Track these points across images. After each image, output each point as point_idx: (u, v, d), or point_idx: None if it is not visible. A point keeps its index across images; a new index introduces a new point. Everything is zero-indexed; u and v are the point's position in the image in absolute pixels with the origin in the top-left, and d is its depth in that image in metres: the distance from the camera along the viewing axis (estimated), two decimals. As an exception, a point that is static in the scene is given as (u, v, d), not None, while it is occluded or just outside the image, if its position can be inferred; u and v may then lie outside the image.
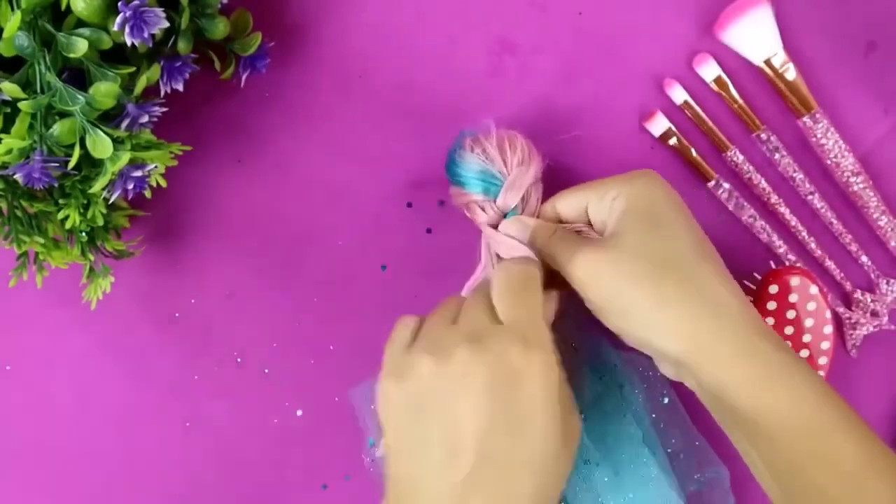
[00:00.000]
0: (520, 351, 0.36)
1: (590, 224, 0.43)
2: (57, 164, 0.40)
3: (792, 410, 0.36)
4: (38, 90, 0.39)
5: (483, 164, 0.45)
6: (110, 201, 0.44)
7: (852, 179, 0.50)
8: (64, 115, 0.40)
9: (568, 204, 0.44)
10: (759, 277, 0.48)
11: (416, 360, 0.37)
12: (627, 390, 0.46)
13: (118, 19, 0.38)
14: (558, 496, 0.37)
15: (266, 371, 0.52)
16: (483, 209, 0.46)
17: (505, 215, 0.45)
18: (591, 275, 0.39)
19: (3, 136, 0.39)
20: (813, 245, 0.51)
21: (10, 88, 0.38)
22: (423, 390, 0.36)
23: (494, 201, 0.45)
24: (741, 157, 0.50)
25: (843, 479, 0.35)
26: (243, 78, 0.48)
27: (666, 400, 0.47)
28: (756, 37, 0.48)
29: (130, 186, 0.43)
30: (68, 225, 0.44)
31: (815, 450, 0.35)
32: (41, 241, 0.45)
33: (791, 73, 0.49)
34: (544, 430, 0.35)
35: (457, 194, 0.47)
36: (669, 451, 0.46)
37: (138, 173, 0.42)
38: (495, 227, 0.46)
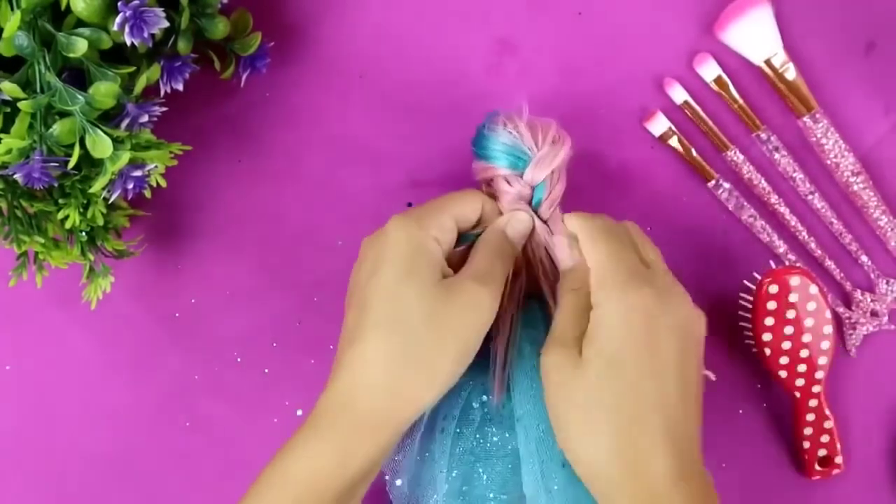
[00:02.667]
0: None
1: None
2: (57, 164, 0.40)
3: None
4: (38, 90, 0.39)
5: (514, 138, 0.44)
6: (110, 201, 0.44)
7: (852, 179, 0.50)
8: (64, 114, 0.40)
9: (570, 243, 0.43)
10: (759, 277, 0.48)
11: None
12: None
13: (118, 19, 0.38)
14: None
15: (266, 371, 0.52)
16: (509, 182, 0.45)
17: (533, 191, 0.45)
18: (549, 377, 0.39)
19: (3, 135, 0.39)
20: (813, 245, 0.51)
21: (10, 88, 0.38)
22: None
23: (521, 176, 0.45)
24: (741, 157, 0.50)
25: None
26: (243, 78, 0.48)
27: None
28: (756, 37, 0.48)
29: (130, 186, 0.43)
30: (68, 225, 0.44)
31: None
32: (41, 240, 0.45)
33: (791, 73, 0.49)
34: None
35: (482, 169, 0.46)
36: None
37: (138, 173, 0.42)
38: (528, 202, 0.45)
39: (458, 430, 0.45)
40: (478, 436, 0.45)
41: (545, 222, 0.46)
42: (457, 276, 0.40)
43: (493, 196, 0.46)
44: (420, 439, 0.46)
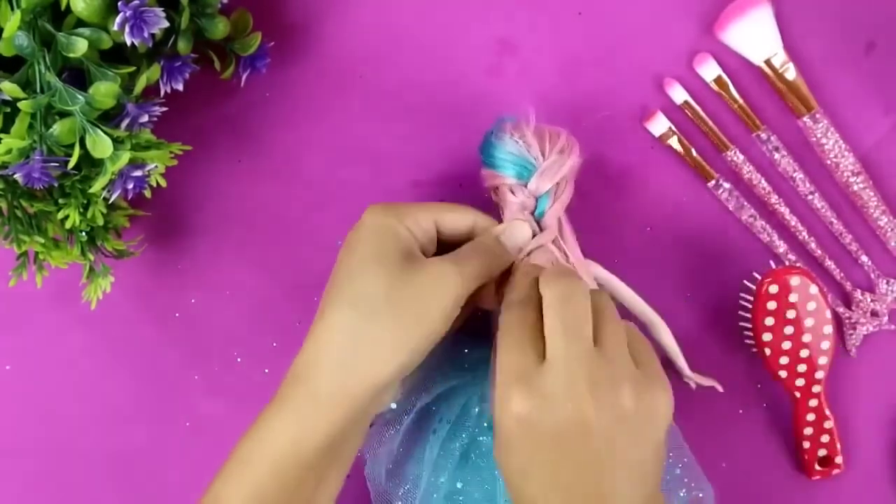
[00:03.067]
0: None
1: None
2: (57, 164, 0.40)
3: None
4: (38, 90, 0.39)
5: (520, 147, 0.44)
6: (110, 201, 0.44)
7: (852, 179, 0.50)
8: (64, 114, 0.40)
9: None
10: (759, 277, 0.48)
11: None
12: None
13: (118, 19, 0.38)
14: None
15: (266, 371, 0.52)
16: (513, 192, 0.45)
17: (537, 201, 0.45)
18: (500, 421, 0.37)
19: (3, 135, 0.39)
20: (813, 245, 0.51)
21: (10, 88, 0.38)
22: None
23: (526, 186, 0.45)
24: (741, 157, 0.50)
25: None
26: (243, 78, 0.48)
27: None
28: (756, 37, 0.48)
29: (130, 186, 0.43)
30: (68, 225, 0.44)
31: None
32: (41, 240, 0.45)
33: (791, 73, 0.49)
34: None
35: (488, 176, 0.46)
36: None
37: (138, 173, 0.42)
38: (531, 212, 0.45)
39: (451, 435, 0.45)
40: (469, 443, 0.45)
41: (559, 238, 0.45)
42: (432, 258, 0.40)
43: (499, 205, 0.45)
44: (407, 434, 0.46)
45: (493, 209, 0.46)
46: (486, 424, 0.45)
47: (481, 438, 0.45)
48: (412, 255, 0.40)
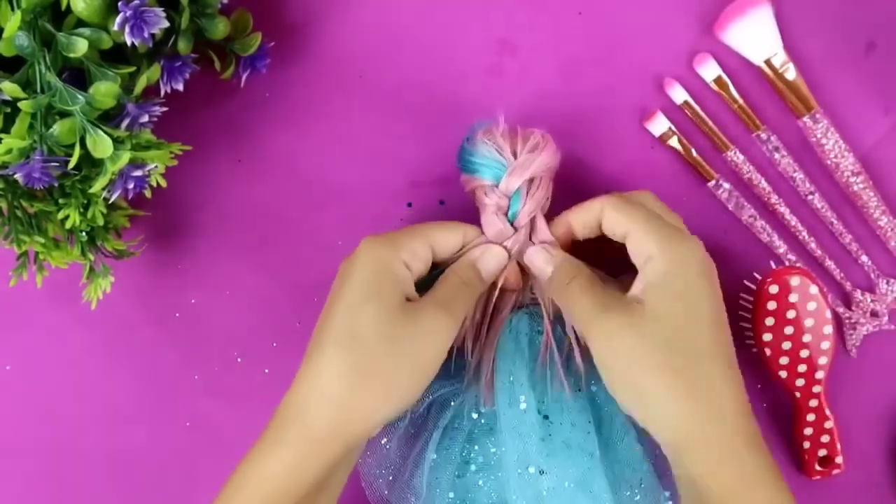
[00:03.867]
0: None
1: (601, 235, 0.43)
2: (57, 164, 0.40)
3: None
4: (38, 90, 0.39)
5: (490, 149, 0.44)
6: (110, 201, 0.44)
7: (852, 179, 0.50)
8: (64, 114, 0.40)
9: (585, 222, 0.44)
10: (759, 277, 0.48)
11: None
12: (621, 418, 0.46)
13: (118, 19, 0.38)
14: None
15: (266, 371, 0.52)
16: (486, 193, 0.45)
17: (510, 200, 0.45)
18: (609, 344, 0.39)
19: (3, 136, 0.39)
20: (813, 245, 0.51)
21: (10, 88, 0.38)
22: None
23: (498, 186, 0.44)
24: (741, 157, 0.50)
25: None
26: (243, 78, 0.48)
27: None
28: (756, 37, 0.48)
29: (130, 186, 0.43)
30: (68, 225, 0.44)
31: None
32: (41, 240, 0.45)
33: (791, 73, 0.49)
34: None
35: (466, 181, 0.46)
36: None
37: (138, 173, 0.42)
38: (504, 213, 0.45)
39: (447, 441, 0.45)
40: (466, 446, 0.45)
41: (530, 237, 0.45)
42: (419, 300, 0.41)
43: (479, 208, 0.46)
44: (401, 444, 0.46)
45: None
46: (487, 427, 0.45)
47: (483, 439, 0.45)
48: (407, 298, 0.41)
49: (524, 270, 0.46)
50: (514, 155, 0.44)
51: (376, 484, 0.47)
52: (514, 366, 0.44)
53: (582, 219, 0.44)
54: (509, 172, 0.44)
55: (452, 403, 0.45)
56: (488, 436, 0.45)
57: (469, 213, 0.50)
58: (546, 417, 0.44)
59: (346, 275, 0.41)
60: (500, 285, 0.45)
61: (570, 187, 0.49)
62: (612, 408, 0.45)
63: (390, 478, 0.47)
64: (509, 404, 0.43)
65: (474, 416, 0.45)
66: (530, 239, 0.45)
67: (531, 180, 0.44)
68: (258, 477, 0.39)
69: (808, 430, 0.50)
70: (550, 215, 0.46)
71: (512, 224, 0.45)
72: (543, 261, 0.44)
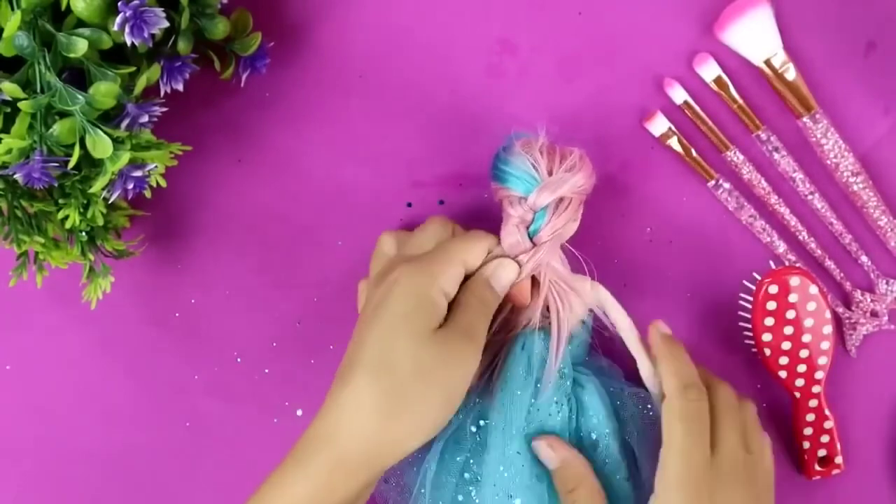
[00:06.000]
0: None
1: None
2: (57, 164, 0.40)
3: None
4: (38, 90, 0.39)
5: (527, 163, 0.44)
6: (110, 201, 0.44)
7: (852, 179, 0.50)
8: (64, 114, 0.40)
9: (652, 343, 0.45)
10: (759, 277, 0.48)
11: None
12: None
13: (118, 19, 0.38)
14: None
15: (266, 371, 0.52)
16: (512, 204, 0.44)
17: (534, 215, 0.44)
18: None
19: (3, 136, 0.39)
20: (813, 245, 0.51)
21: (10, 88, 0.38)
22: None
23: (527, 200, 0.44)
24: (741, 157, 0.50)
25: None
26: (243, 78, 0.48)
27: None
28: (756, 37, 0.48)
29: (130, 186, 0.43)
30: (68, 225, 0.44)
31: None
32: (41, 240, 0.45)
33: (791, 73, 0.49)
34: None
35: (496, 189, 0.46)
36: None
37: (138, 173, 0.42)
38: (526, 226, 0.44)
39: (448, 454, 0.45)
40: (471, 461, 0.45)
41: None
42: (446, 329, 0.41)
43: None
44: (418, 453, 0.46)
45: (493, 209, 0.46)
46: (480, 437, 0.45)
47: (483, 455, 0.45)
48: (438, 327, 0.41)
49: (535, 289, 0.45)
50: (549, 172, 0.44)
51: (377, 491, 0.47)
52: (517, 388, 0.44)
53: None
54: (541, 188, 0.43)
55: (458, 416, 0.45)
56: (484, 450, 0.45)
57: (469, 212, 0.51)
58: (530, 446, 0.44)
59: (383, 303, 0.40)
60: (507, 299, 0.45)
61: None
62: (608, 441, 0.45)
63: (389, 479, 0.47)
64: (503, 427, 0.44)
65: (473, 429, 0.45)
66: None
67: (560, 200, 0.44)
68: (282, 499, 0.39)
69: (808, 431, 0.50)
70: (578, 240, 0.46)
71: (532, 239, 0.44)
72: (546, 456, 0.44)
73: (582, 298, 0.46)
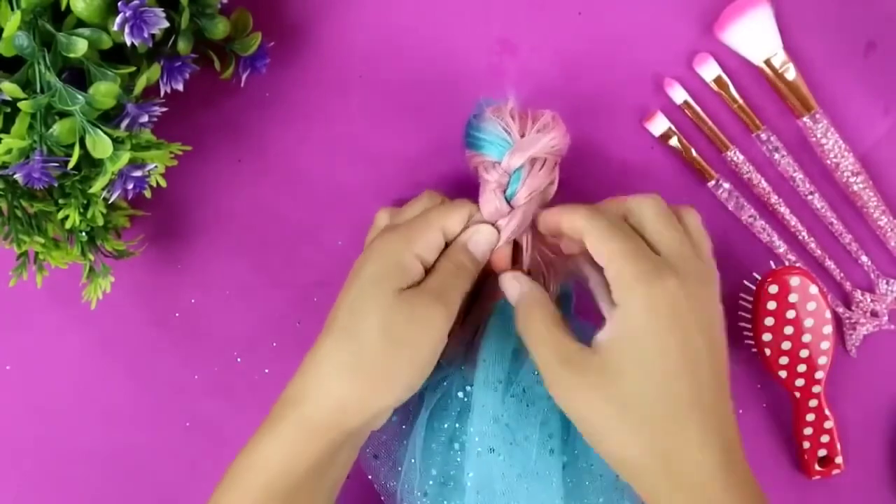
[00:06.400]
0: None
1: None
2: (57, 164, 0.40)
3: None
4: (38, 90, 0.39)
5: (498, 127, 0.44)
6: (110, 201, 0.44)
7: (852, 179, 0.50)
8: (64, 114, 0.40)
9: (573, 230, 0.41)
10: (759, 277, 0.48)
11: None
12: None
13: (118, 19, 0.38)
14: None
15: (266, 371, 0.52)
16: (487, 169, 0.44)
17: (510, 177, 0.44)
18: (568, 402, 0.39)
19: (3, 136, 0.39)
20: (813, 245, 0.51)
21: (10, 88, 0.38)
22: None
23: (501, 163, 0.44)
24: (741, 157, 0.50)
25: None
26: (243, 78, 0.48)
27: None
28: (756, 37, 0.48)
29: (130, 186, 0.43)
30: (68, 225, 0.44)
31: None
32: (41, 241, 0.45)
33: (791, 73, 0.49)
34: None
35: (470, 157, 0.46)
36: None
37: (138, 173, 0.42)
38: (503, 190, 0.44)
39: (435, 422, 0.45)
40: (457, 426, 0.45)
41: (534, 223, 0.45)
42: (415, 290, 0.41)
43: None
44: (391, 425, 0.46)
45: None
46: (466, 401, 0.45)
47: (464, 420, 0.45)
48: (408, 289, 0.40)
49: (517, 254, 0.45)
50: (522, 135, 0.44)
51: (365, 462, 0.47)
52: (497, 350, 0.44)
53: (567, 226, 0.42)
54: (513, 150, 0.43)
55: (443, 384, 0.45)
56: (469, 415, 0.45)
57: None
58: (518, 400, 0.43)
59: (358, 268, 0.42)
60: (487, 264, 0.44)
61: (569, 187, 0.49)
62: None
63: (379, 455, 0.47)
64: (483, 384, 0.43)
65: (460, 395, 0.45)
66: (532, 226, 0.45)
67: (534, 161, 0.44)
68: (256, 462, 0.40)
69: (808, 430, 0.50)
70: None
71: (509, 203, 0.44)
72: (512, 289, 0.43)
73: (564, 263, 0.45)
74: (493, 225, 0.44)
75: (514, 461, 0.42)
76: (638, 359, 0.37)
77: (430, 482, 0.45)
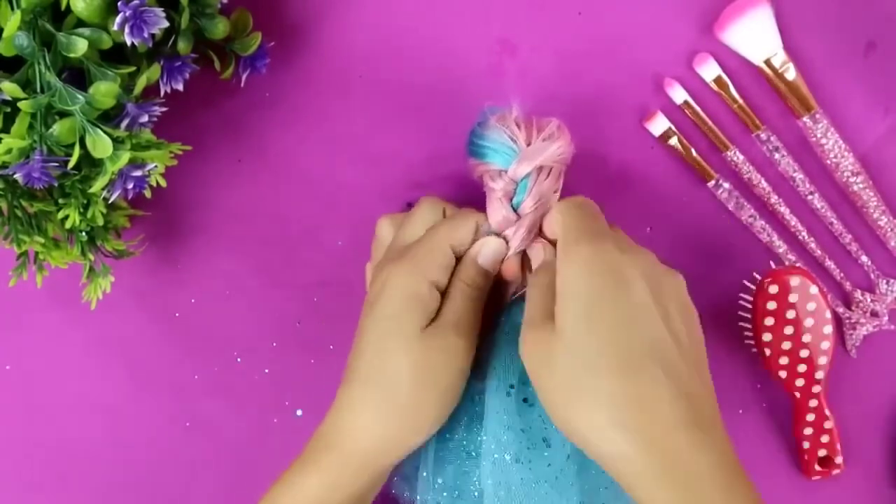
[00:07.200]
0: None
1: None
2: (57, 164, 0.40)
3: None
4: (38, 90, 0.39)
5: (503, 135, 0.44)
6: (110, 201, 0.44)
7: (852, 179, 0.50)
8: (64, 114, 0.40)
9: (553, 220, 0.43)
10: (759, 277, 0.48)
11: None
12: None
13: (118, 19, 0.38)
14: None
15: (266, 371, 0.52)
16: (493, 178, 0.44)
17: (516, 186, 0.44)
18: (527, 362, 0.39)
19: (3, 135, 0.39)
20: (813, 245, 0.51)
21: (10, 88, 0.38)
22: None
23: (507, 172, 0.44)
24: (741, 157, 0.50)
25: None
26: (243, 78, 0.48)
27: None
28: (756, 37, 0.48)
29: (130, 186, 0.43)
30: (68, 225, 0.44)
31: None
32: (41, 240, 0.45)
33: (791, 73, 0.49)
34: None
35: (474, 166, 0.45)
36: None
37: (138, 173, 0.42)
38: (509, 199, 0.44)
39: (445, 433, 0.45)
40: (466, 434, 0.45)
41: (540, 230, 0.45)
42: (436, 326, 0.41)
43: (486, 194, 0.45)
44: None
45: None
46: (477, 409, 0.45)
47: (476, 426, 0.45)
48: (430, 327, 0.41)
49: (525, 261, 0.45)
50: (528, 143, 0.44)
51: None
52: (508, 355, 0.44)
53: (549, 219, 0.44)
54: (520, 159, 0.43)
55: None
56: (479, 423, 0.45)
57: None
58: (531, 405, 0.43)
59: (375, 305, 0.41)
60: (498, 274, 0.45)
61: (569, 187, 0.49)
62: None
63: (392, 475, 0.47)
64: (496, 391, 0.43)
65: (468, 403, 0.45)
66: (541, 232, 0.45)
67: (540, 169, 0.44)
68: (293, 497, 0.41)
69: (808, 430, 0.50)
70: None
71: (516, 212, 0.44)
72: (495, 251, 0.44)
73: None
74: (499, 235, 0.44)
75: (531, 467, 0.42)
76: (581, 317, 0.37)
77: (444, 493, 0.45)
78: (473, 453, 0.45)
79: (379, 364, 0.40)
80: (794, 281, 0.48)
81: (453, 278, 0.43)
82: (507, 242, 0.44)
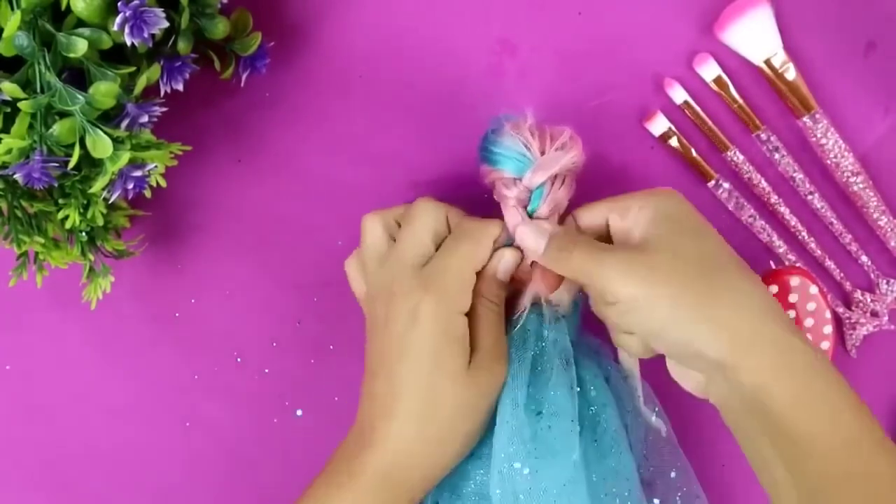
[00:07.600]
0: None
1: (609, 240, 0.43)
2: (57, 164, 0.40)
3: (832, 428, 0.36)
4: (38, 90, 0.39)
5: (518, 143, 0.44)
6: (110, 201, 0.44)
7: (852, 179, 0.50)
8: (64, 114, 0.40)
9: (589, 217, 0.44)
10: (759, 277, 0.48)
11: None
12: (611, 410, 0.45)
13: (118, 19, 0.38)
14: None
15: (266, 371, 0.52)
16: (507, 186, 0.44)
17: (531, 195, 0.44)
18: (626, 278, 0.39)
19: (3, 136, 0.39)
20: (813, 245, 0.51)
21: (10, 88, 0.38)
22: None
23: (521, 180, 0.44)
24: (741, 157, 0.50)
25: (878, 500, 0.35)
26: (243, 78, 0.48)
27: (654, 418, 0.46)
28: (756, 37, 0.48)
29: (130, 186, 0.43)
30: (68, 225, 0.44)
31: (853, 470, 0.35)
32: (41, 241, 0.45)
33: (791, 73, 0.49)
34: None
35: (486, 172, 0.45)
36: (651, 470, 0.46)
37: (138, 173, 0.42)
38: (524, 206, 0.45)
39: None
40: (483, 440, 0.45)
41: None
42: (479, 357, 0.42)
43: (499, 200, 0.45)
44: None
45: (492, 208, 0.46)
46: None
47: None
48: (473, 363, 0.42)
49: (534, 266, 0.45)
50: (541, 152, 0.44)
51: None
52: (517, 365, 0.44)
53: (588, 220, 0.44)
54: (536, 168, 0.44)
55: None
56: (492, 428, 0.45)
57: (469, 212, 0.50)
58: (539, 413, 0.44)
59: (410, 338, 0.41)
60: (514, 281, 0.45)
61: (570, 187, 0.49)
62: (608, 413, 0.45)
63: None
64: (504, 400, 0.43)
65: None
66: None
67: (555, 178, 0.44)
68: None
69: (808, 430, 0.50)
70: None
71: (531, 218, 0.45)
72: (536, 237, 0.44)
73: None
74: (512, 245, 0.45)
75: (540, 477, 0.42)
76: (677, 228, 0.41)
77: (445, 493, 0.45)
78: (473, 453, 0.45)
79: (431, 401, 0.41)
80: (794, 281, 0.48)
81: (478, 300, 0.43)
82: (520, 251, 0.45)
